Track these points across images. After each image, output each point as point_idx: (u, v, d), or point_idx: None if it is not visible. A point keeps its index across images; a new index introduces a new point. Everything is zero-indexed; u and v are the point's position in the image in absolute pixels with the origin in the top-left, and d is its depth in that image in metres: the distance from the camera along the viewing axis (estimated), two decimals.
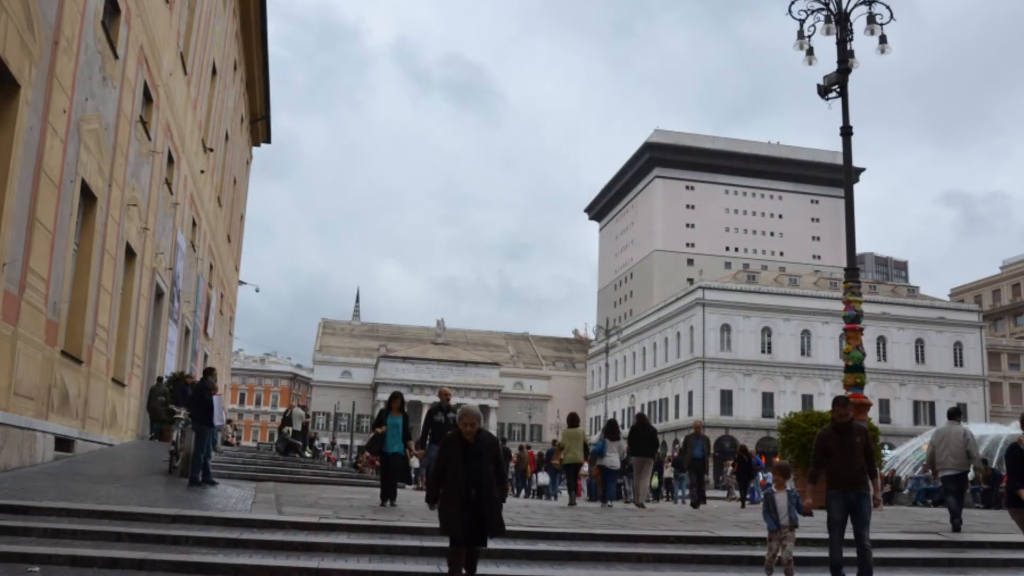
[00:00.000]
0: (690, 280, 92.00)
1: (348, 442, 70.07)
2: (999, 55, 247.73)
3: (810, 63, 16.29)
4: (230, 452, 20.17)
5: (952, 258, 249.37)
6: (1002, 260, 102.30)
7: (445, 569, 6.79)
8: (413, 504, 11.46)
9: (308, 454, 25.81)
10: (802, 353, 73.65)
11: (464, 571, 6.64)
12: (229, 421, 36.93)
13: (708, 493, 22.21)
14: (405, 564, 7.57)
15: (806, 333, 73.89)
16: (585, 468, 20.23)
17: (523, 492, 28.19)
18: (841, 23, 15.78)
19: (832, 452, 7.76)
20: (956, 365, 76.03)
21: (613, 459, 15.94)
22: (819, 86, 16.02)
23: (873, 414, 18.74)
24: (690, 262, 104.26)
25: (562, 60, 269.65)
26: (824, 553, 7.90)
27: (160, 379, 20.77)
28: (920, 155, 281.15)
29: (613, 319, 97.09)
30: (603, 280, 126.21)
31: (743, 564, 8.46)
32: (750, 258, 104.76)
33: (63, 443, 13.32)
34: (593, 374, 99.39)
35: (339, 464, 41.86)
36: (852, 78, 15.82)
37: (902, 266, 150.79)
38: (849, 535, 7.63)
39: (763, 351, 73.35)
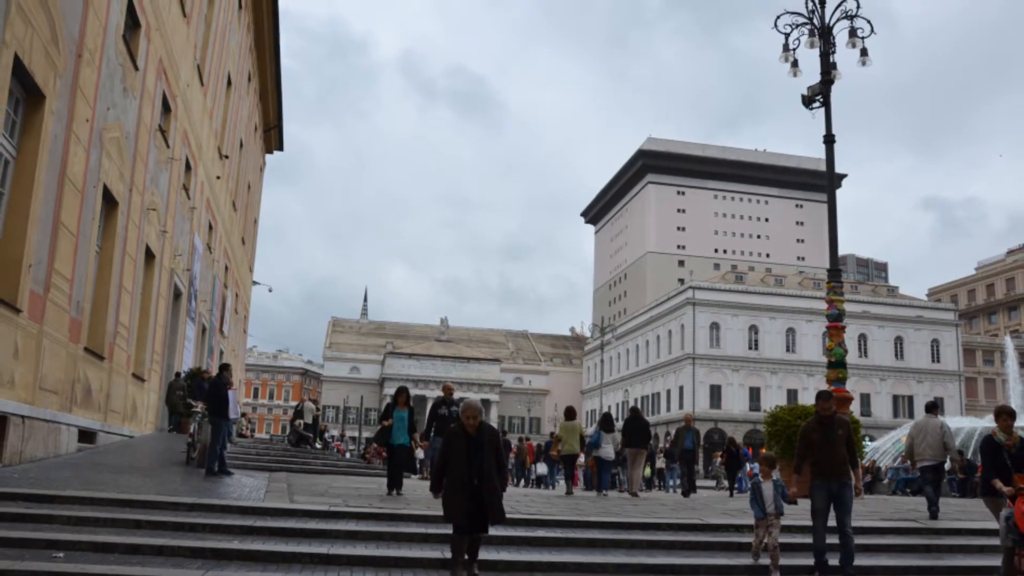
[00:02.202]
0: (681, 280, 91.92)
1: (356, 434, 70.14)
2: (975, 67, 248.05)
3: (795, 74, 16.27)
4: (245, 444, 20.16)
5: (930, 260, 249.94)
6: (977, 262, 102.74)
7: (448, 555, 6.80)
8: (418, 493, 11.45)
9: (318, 446, 25.79)
10: (787, 350, 73.62)
11: (466, 556, 6.64)
12: (244, 414, 36.91)
13: (698, 483, 22.22)
14: (411, 550, 7.56)
15: (791, 331, 73.87)
16: (582, 459, 20.23)
17: (522, 482, 28.18)
18: (824, 37, 15.76)
19: (816, 444, 7.77)
20: (933, 361, 76.01)
21: (608, 450, 15.94)
22: (803, 96, 15.97)
23: (855, 408, 18.75)
24: (681, 263, 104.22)
25: (561, 70, 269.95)
26: (808, 539, 7.91)
27: (178, 374, 20.78)
28: (900, 162, 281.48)
29: (608, 318, 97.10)
30: (598, 280, 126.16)
31: (731, 550, 8.45)
32: (738, 260, 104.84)
33: (86, 435, 13.33)
34: (589, 370, 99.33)
35: (348, 455, 41.73)
36: (835, 89, 15.81)
37: (882, 267, 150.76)
38: (832, 522, 7.65)
39: (750, 348, 73.34)
